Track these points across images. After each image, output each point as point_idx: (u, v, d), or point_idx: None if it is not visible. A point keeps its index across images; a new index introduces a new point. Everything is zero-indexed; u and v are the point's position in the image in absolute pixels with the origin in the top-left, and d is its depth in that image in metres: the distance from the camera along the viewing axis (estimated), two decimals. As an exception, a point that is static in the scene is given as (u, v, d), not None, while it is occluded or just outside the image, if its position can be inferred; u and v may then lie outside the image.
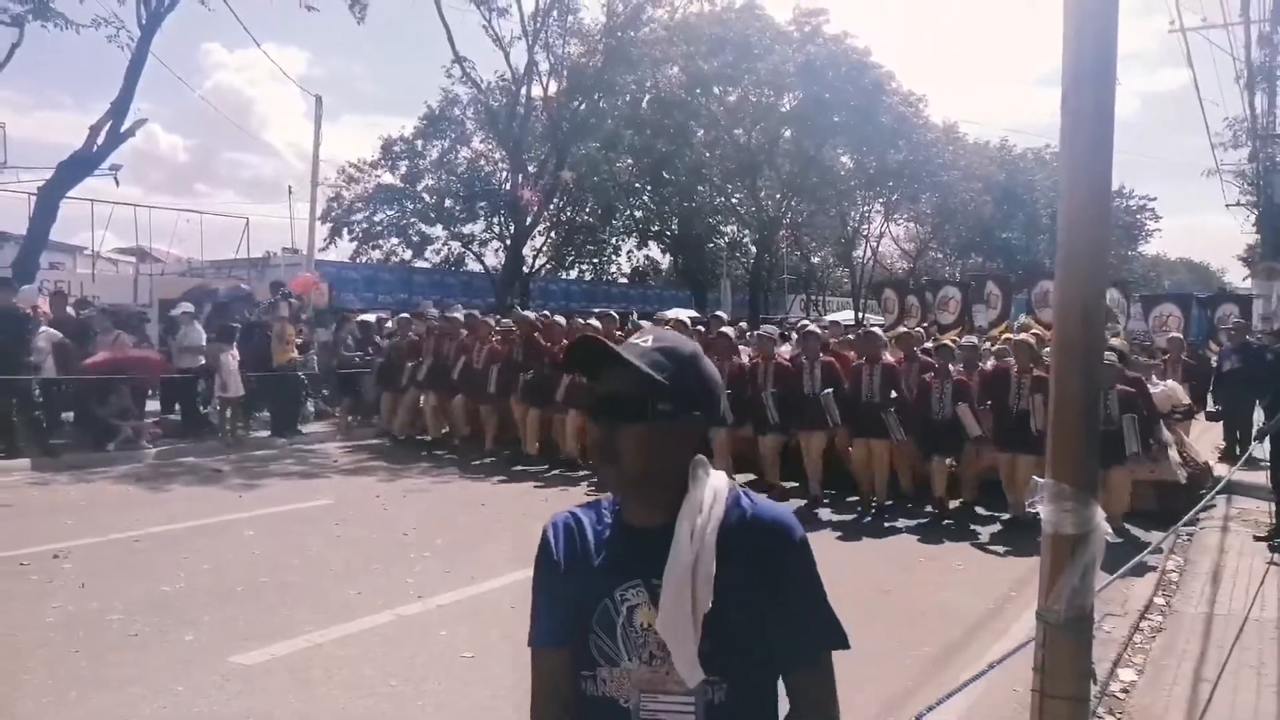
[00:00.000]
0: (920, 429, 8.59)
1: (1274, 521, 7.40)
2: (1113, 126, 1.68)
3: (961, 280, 16.21)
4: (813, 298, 43.33)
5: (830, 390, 8.73)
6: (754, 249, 35.49)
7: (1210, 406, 11.71)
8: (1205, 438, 11.79)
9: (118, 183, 15.51)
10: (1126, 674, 5.03)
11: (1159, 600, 6.20)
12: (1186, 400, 9.98)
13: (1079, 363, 1.73)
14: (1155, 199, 54.26)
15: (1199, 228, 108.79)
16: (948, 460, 8.69)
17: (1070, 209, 1.67)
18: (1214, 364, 12.04)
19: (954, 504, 8.72)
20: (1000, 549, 7.55)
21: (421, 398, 12.07)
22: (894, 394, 8.65)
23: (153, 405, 12.21)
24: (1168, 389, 9.56)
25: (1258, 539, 7.46)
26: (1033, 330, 10.64)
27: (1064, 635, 1.71)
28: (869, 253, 43.88)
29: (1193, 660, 5.16)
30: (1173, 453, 8.48)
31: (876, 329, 9.88)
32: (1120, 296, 12.04)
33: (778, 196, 34.01)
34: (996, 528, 8.26)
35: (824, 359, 8.97)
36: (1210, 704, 4.53)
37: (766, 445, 9.13)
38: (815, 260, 42.97)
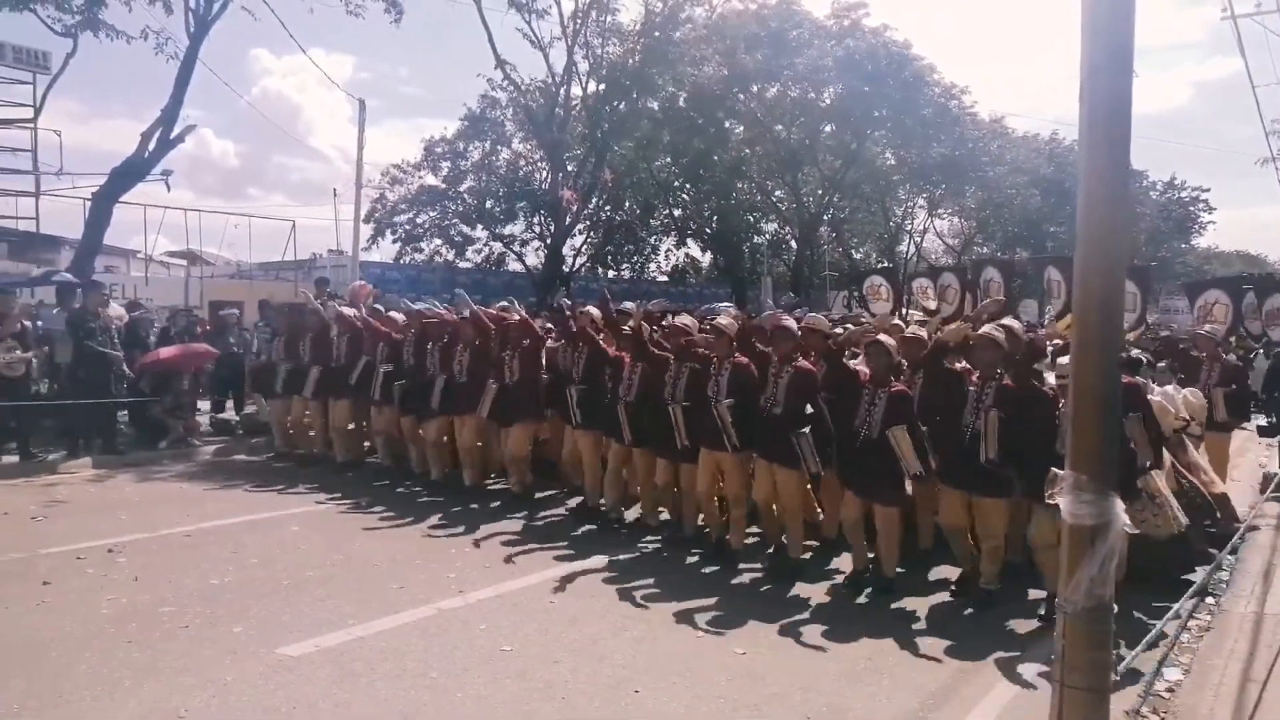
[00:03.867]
0: (842, 457, 6.28)
1: None
2: (1130, 119, 1.67)
3: (959, 265, 14.42)
4: (854, 294, 42.85)
5: (730, 400, 6.55)
6: (795, 246, 35.25)
7: (1258, 418, 9.87)
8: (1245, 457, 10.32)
9: (169, 188, 15.90)
10: (1172, 673, 4.96)
11: (1208, 599, 6.09)
12: (1186, 416, 7.42)
13: (1096, 355, 1.72)
14: (1209, 190, 52.97)
15: (1255, 220, 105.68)
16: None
17: (1088, 202, 1.66)
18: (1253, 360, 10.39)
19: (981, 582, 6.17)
20: (938, 645, 5.29)
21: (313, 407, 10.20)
22: (809, 407, 6.47)
23: (203, 405, 12.49)
24: (1166, 397, 7.02)
25: None
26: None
27: (1083, 626, 1.71)
28: (913, 248, 43.38)
29: (1241, 660, 5.06)
30: (1165, 486, 6.28)
31: (788, 319, 7.31)
32: (1134, 287, 9.82)
33: (819, 193, 33.74)
34: (938, 599, 6.18)
35: (737, 359, 6.72)
36: (1259, 705, 4.45)
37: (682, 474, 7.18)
38: (858, 256, 42.53)
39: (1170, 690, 4.77)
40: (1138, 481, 5.91)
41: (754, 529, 7.27)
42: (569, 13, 23.30)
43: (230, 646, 4.84)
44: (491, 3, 22.73)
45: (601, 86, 24.76)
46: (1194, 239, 50.96)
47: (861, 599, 6.19)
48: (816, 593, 6.29)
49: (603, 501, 8.01)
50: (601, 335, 7.96)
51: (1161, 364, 8.23)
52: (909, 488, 6.42)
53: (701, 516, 7.32)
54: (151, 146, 14.08)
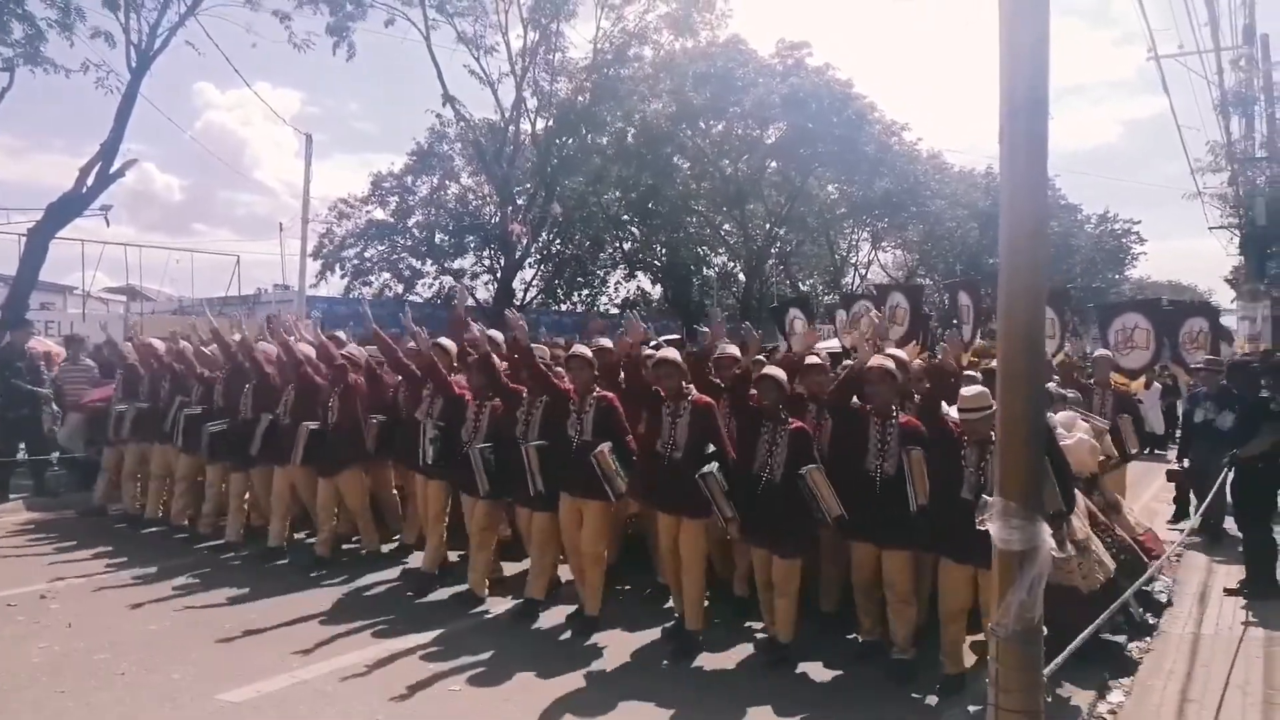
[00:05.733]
0: (746, 503, 5.45)
1: (1246, 574, 6.86)
2: (1046, 157, 1.76)
3: (876, 292, 11.94)
4: (816, 326, 43.32)
5: (610, 444, 5.67)
6: (744, 278, 35.67)
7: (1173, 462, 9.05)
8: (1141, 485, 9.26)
9: (108, 223, 15.61)
10: (1115, 695, 5.06)
11: (1149, 620, 6.23)
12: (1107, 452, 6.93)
13: (1023, 387, 1.79)
14: (1140, 223, 54.64)
15: (1185, 251, 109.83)
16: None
17: (1009, 237, 1.74)
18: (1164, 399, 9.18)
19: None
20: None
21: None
22: (711, 445, 5.62)
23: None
24: (1081, 439, 6.18)
25: (1228, 591, 6.79)
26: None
27: (1014, 649, 1.76)
28: (858, 280, 44.14)
29: (1179, 680, 5.19)
30: (1094, 544, 5.60)
31: (670, 351, 6.17)
32: (1051, 313, 8.95)
33: (766, 226, 34.24)
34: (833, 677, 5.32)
35: (600, 393, 5.92)
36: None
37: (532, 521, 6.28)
38: (805, 288, 43.14)
39: (1113, 712, 4.88)
40: (1061, 529, 5.15)
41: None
42: (517, 50, 23.52)
43: (170, 693, 4.71)
44: (440, 39, 22.85)
45: (550, 123, 24.94)
46: (1127, 270, 52.59)
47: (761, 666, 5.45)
48: (712, 660, 5.52)
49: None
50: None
51: (1071, 394, 7.49)
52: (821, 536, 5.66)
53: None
54: (90, 181, 13.79)
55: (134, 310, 21.84)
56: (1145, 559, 6.02)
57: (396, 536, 8.10)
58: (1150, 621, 6.14)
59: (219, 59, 47.86)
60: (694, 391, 5.82)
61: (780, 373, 5.61)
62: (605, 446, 5.64)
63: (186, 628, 5.82)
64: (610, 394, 5.96)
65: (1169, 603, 6.49)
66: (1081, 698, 5.02)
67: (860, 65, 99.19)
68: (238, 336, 8.38)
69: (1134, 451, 8.30)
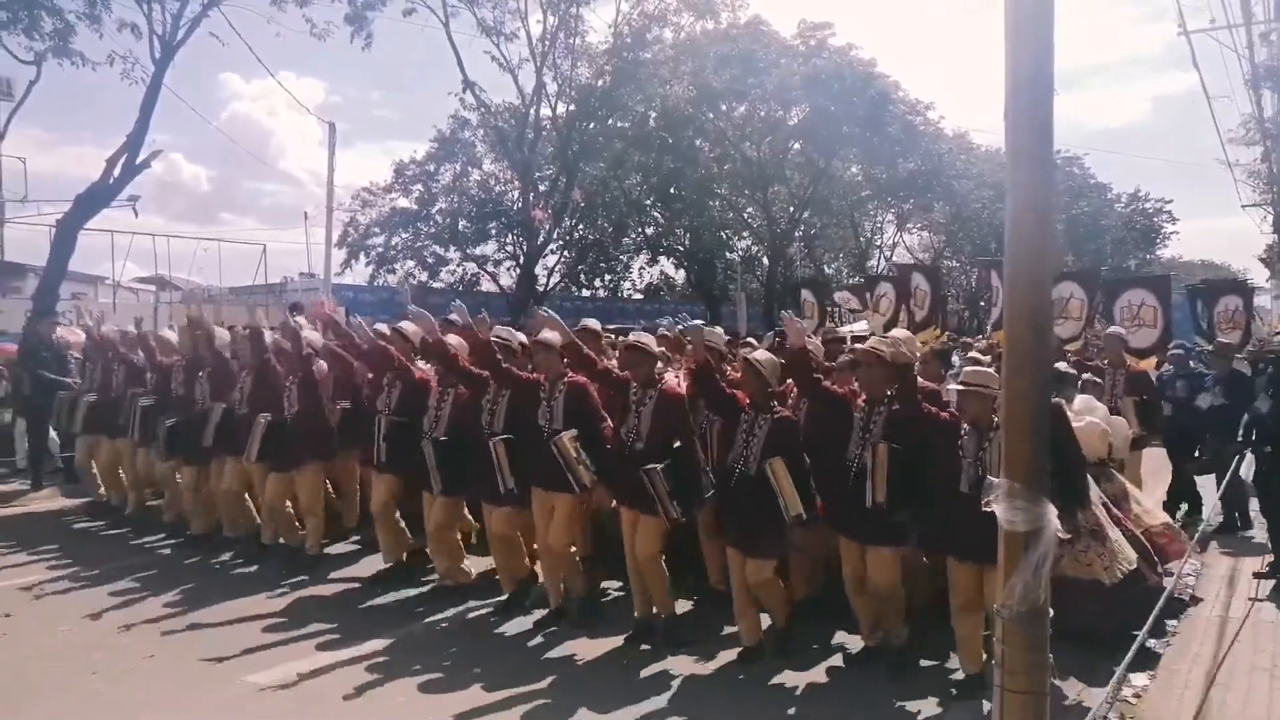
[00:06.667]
0: (719, 498, 5.35)
1: (1274, 558, 6.76)
2: (1051, 132, 1.73)
3: (897, 272, 11.58)
4: (829, 308, 43.11)
5: (574, 432, 5.41)
6: (767, 262, 35.49)
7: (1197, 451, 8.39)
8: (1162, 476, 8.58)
9: (136, 213, 15.79)
10: (1139, 679, 5.01)
11: (1183, 596, 6.14)
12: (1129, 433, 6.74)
13: (1028, 365, 1.76)
14: (1171, 201, 53.73)
15: (1218, 230, 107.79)
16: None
17: (1014, 213, 1.71)
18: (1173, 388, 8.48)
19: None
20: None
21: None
22: (677, 440, 5.32)
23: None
24: (1095, 421, 5.94)
25: (1258, 575, 6.68)
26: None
27: (1020, 630, 1.74)
28: (883, 263, 43.78)
29: (1206, 664, 5.14)
30: (1113, 532, 5.37)
31: (642, 335, 6.01)
32: (1082, 293, 9.24)
33: (789, 209, 34.03)
34: (823, 672, 5.11)
35: (570, 379, 5.62)
36: (1223, 708, 4.51)
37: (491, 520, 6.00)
38: (830, 271, 42.85)
39: (1137, 696, 4.83)
40: (1079, 515, 5.05)
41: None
42: (537, 35, 23.48)
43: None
44: (460, 25, 22.87)
45: (571, 107, 24.89)
46: (1159, 250, 51.81)
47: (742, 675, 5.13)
48: (683, 665, 5.19)
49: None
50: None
51: (1086, 375, 7.16)
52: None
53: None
54: (117, 172, 13.94)
55: (163, 299, 22.13)
56: (1154, 555, 5.68)
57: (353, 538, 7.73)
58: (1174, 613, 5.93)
59: (244, 50, 48.18)
60: (667, 380, 5.54)
61: (766, 358, 5.26)
62: (567, 434, 5.36)
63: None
64: (582, 379, 5.64)
65: (1191, 600, 6.30)
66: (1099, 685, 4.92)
67: (884, 45, 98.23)
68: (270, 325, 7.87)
69: (1133, 435, 7.31)
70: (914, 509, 4.80)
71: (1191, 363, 8.74)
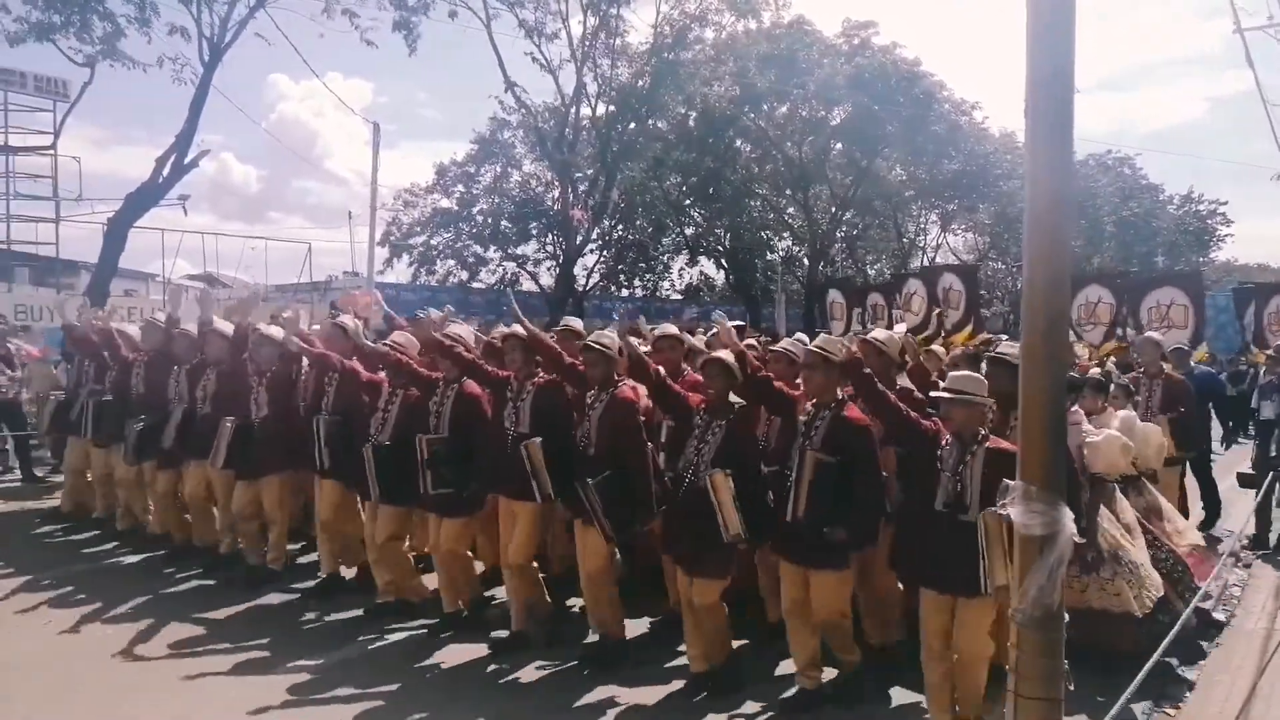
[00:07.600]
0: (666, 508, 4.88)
1: None
2: (1071, 129, 1.69)
3: (926, 271, 11.14)
4: (856, 311, 42.69)
5: (538, 440, 5.05)
6: (808, 263, 35.28)
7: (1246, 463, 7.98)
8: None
9: (186, 212, 16.15)
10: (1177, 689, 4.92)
11: (1218, 616, 6.03)
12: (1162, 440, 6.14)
13: (1044, 368, 1.73)
14: (1226, 203, 52.39)
15: (1275, 233, 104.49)
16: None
17: (1032, 212, 1.68)
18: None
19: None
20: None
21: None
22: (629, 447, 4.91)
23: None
24: (1113, 434, 5.23)
25: None
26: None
27: (1034, 635, 1.71)
28: (926, 264, 43.26)
29: (1249, 676, 5.03)
30: (1138, 554, 5.04)
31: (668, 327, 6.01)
32: (1110, 296, 8.98)
33: (831, 210, 33.79)
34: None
35: (539, 379, 5.30)
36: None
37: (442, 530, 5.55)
38: (871, 273, 42.47)
39: (1176, 706, 4.76)
40: (1101, 543, 4.84)
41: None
42: (578, 36, 23.59)
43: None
44: (502, 26, 23.07)
45: (611, 108, 24.98)
46: (1213, 252, 50.57)
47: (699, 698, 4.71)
48: (630, 694, 4.75)
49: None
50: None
51: (1119, 378, 6.69)
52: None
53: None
54: (166, 171, 14.30)
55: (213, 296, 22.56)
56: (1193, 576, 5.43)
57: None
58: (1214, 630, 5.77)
59: (292, 52, 49.02)
60: (625, 384, 5.05)
61: (730, 357, 4.67)
62: (538, 439, 5.02)
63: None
64: (556, 379, 5.29)
65: (1228, 621, 6.05)
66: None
67: (928, 43, 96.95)
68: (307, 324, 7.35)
69: (1170, 455, 6.72)
70: (846, 526, 4.26)
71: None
